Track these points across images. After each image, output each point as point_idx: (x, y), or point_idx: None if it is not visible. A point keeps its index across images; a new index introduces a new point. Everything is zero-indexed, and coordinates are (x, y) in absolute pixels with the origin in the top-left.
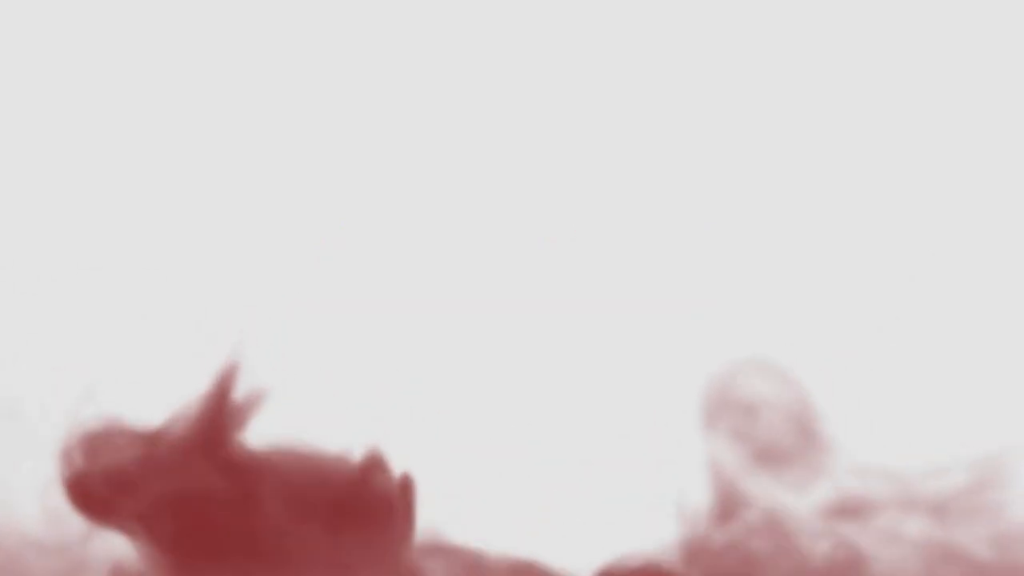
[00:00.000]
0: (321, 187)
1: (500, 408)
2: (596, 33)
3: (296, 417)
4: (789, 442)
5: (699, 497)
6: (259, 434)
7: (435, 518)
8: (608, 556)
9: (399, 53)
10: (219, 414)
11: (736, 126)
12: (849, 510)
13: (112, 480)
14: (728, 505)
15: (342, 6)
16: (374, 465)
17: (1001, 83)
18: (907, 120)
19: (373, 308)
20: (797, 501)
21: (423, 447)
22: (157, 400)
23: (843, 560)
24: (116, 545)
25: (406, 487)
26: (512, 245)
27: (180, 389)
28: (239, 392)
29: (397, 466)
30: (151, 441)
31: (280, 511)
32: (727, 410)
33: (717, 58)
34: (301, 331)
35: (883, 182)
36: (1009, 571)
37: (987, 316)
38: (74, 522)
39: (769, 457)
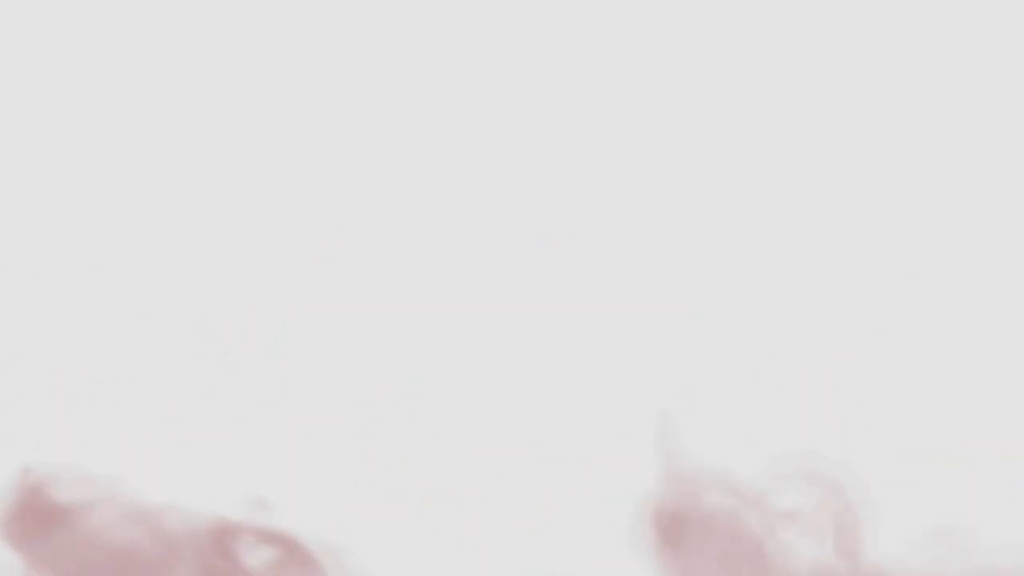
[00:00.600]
0: (321, 187)
1: (498, 407)
2: (596, 34)
3: (295, 417)
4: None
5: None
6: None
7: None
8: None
9: (399, 53)
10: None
11: (733, 130)
12: None
13: (52, 522)
14: None
15: (342, 6)
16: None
17: (1001, 84)
18: (906, 125)
19: (373, 308)
20: None
21: (422, 445)
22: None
23: None
24: None
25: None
26: (512, 245)
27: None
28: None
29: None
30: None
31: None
32: (685, 528)
33: (715, 59)
34: (301, 331)
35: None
36: None
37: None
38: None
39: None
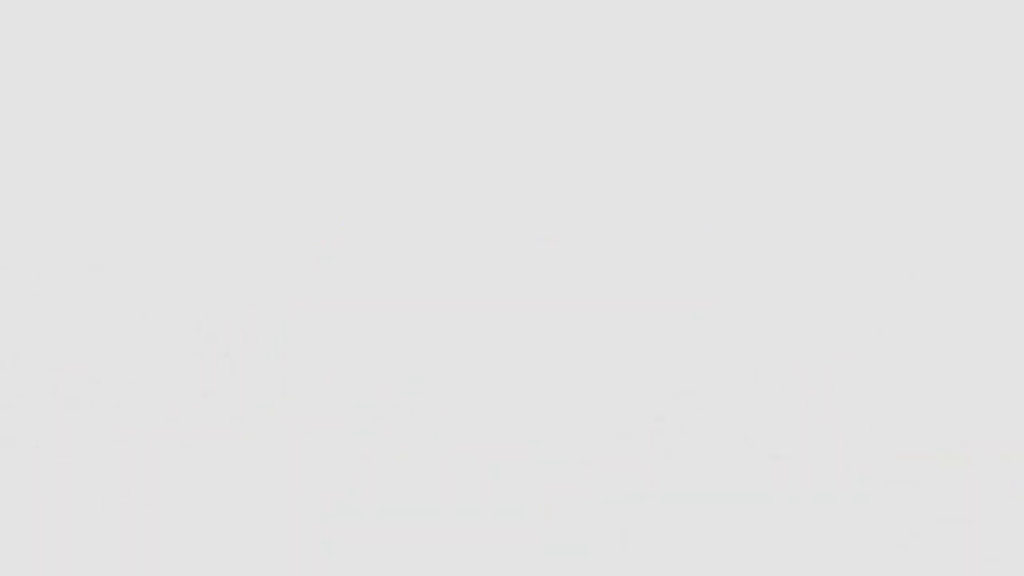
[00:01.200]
0: (321, 187)
1: (498, 407)
2: (596, 34)
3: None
4: None
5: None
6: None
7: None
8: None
9: (400, 53)
10: None
11: (733, 129)
12: None
13: None
14: None
15: (342, 7)
16: None
17: (1001, 84)
18: (906, 124)
19: (373, 308)
20: None
21: (422, 444)
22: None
23: None
24: None
25: None
26: (512, 245)
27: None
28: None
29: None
30: None
31: None
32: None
33: (715, 59)
34: (301, 331)
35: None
36: None
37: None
38: None
39: None
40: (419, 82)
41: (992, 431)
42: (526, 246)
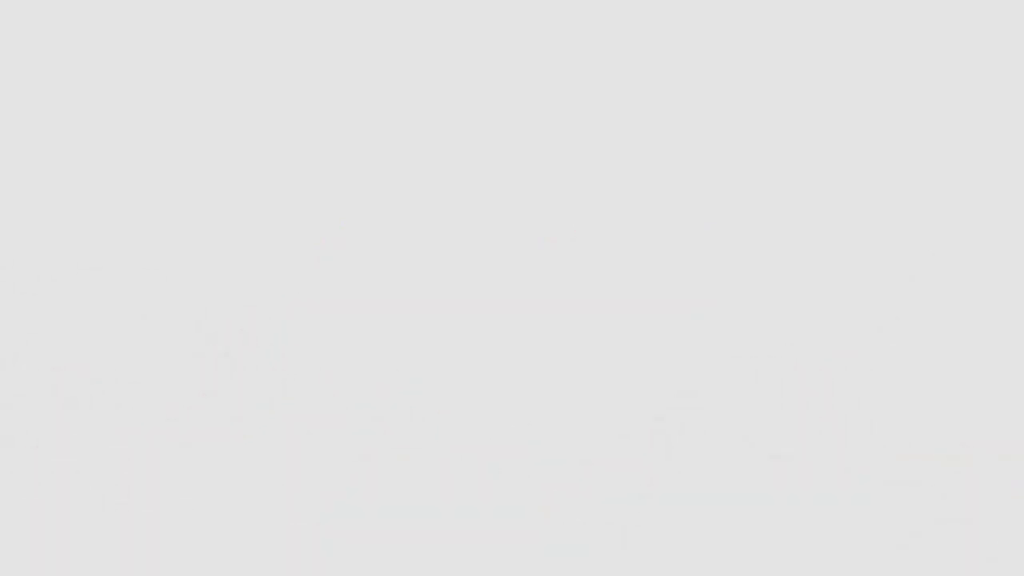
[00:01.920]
0: (321, 187)
1: (498, 407)
2: (596, 34)
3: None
4: None
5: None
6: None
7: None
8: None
9: (400, 53)
10: None
11: (733, 129)
12: None
13: None
14: None
15: (342, 7)
16: None
17: (1001, 84)
18: (906, 124)
19: (373, 308)
20: None
21: (422, 445)
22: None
23: None
24: None
25: None
26: (512, 245)
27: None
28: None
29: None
30: None
31: None
32: None
33: (715, 59)
34: (301, 331)
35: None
36: None
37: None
38: None
39: None
40: (419, 82)
41: (992, 431)
42: (526, 246)
